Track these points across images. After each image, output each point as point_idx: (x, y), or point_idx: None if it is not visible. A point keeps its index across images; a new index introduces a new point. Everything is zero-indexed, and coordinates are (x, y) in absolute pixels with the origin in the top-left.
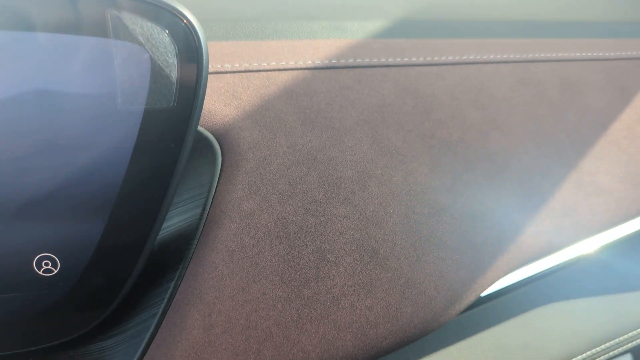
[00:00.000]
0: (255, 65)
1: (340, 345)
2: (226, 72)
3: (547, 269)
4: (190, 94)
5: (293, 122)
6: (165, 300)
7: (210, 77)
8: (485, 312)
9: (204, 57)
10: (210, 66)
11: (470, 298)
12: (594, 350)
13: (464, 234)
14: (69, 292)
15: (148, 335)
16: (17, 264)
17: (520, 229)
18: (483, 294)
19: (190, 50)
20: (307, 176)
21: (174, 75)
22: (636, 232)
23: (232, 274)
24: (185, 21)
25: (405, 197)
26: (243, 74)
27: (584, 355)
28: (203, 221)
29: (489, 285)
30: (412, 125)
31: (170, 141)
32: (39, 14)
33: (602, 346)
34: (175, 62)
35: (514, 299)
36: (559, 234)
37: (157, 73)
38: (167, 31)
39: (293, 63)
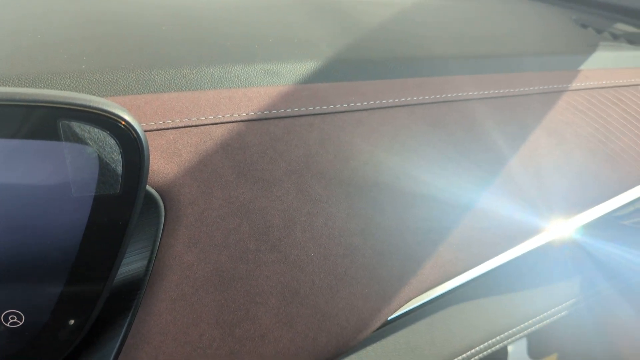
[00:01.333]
0: (194, 120)
1: None
2: (167, 129)
3: (446, 292)
4: (134, 181)
5: (228, 175)
6: (117, 345)
7: (153, 134)
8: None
9: (145, 150)
10: (153, 123)
11: (376, 324)
12: (492, 340)
13: (372, 271)
14: (31, 341)
15: None
16: None
17: (420, 262)
18: (389, 318)
19: (131, 146)
20: (240, 226)
21: (119, 168)
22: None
23: (174, 320)
24: (123, 123)
25: (325, 241)
26: (183, 129)
27: (485, 344)
28: (149, 273)
29: (393, 313)
30: (332, 173)
31: (118, 219)
32: (5, 124)
33: (499, 337)
34: (120, 158)
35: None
36: (453, 265)
37: (104, 167)
38: (108, 132)
39: (229, 116)
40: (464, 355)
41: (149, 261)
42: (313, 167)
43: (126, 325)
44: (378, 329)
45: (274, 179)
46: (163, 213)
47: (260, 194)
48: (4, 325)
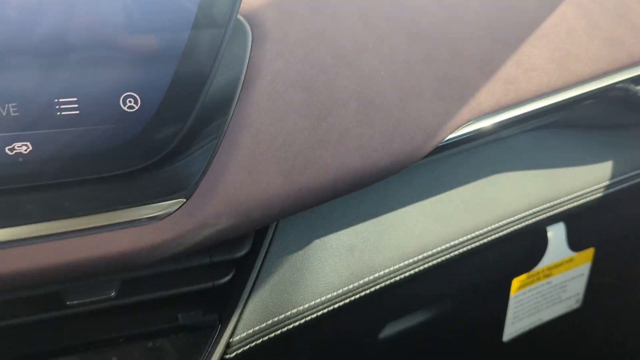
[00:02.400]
0: None
1: (350, 162)
2: None
3: (497, 126)
4: None
5: (303, 10)
6: (224, 128)
7: None
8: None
9: None
10: None
11: (441, 137)
12: (530, 212)
13: (436, 92)
14: (146, 125)
15: (211, 152)
16: (107, 101)
17: (478, 88)
18: (452, 136)
19: None
20: (317, 48)
21: None
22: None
23: (270, 109)
24: None
25: (391, 65)
26: None
27: (522, 215)
28: (241, 79)
29: (453, 131)
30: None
31: (219, 21)
32: None
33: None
34: None
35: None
36: (504, 95)
37: None
38: None
39: None
40: (510, 220)
41: (241, 70)
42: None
43: (231, 112)
44: (440, 146)
45: (344, 14)
46: (250, 33)
47: (333, 25)
48: (122, 109)
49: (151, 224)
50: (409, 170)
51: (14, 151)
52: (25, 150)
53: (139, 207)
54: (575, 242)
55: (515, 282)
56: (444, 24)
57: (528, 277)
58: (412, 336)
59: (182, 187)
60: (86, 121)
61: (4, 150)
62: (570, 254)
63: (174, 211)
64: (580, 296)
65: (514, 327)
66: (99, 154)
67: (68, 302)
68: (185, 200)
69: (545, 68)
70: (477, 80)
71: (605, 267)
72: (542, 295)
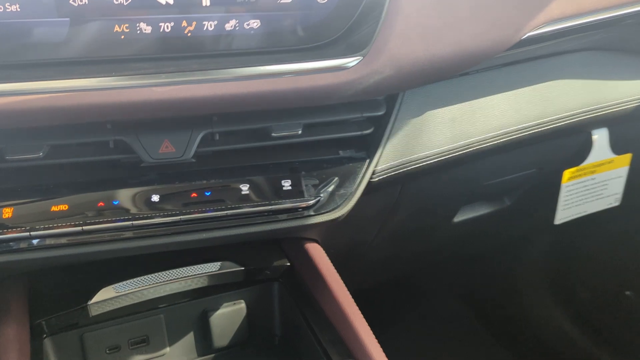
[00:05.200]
0: None
1: (465, 42)
2: None
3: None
4: None
5: None
6: (383, 13)
7: None
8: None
9: None
10: None
11: (523, 33)
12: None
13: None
14: (334, 9)
15: (377, 27)
16: None
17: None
18: (530, 34)
19: None
20: None
21: None
22: None
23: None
24: None
25: None
26: None
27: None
28: None
29: (531, 29)
30: None
31: None
32: None
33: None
34: None
35: None
36: (569, 7)
37: None
38: None
39: None
40: (566, 114)
41: None
42: None
43: (382, 11)
44: (520, 41)
45: None
46: None
47: None
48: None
49: (344, 70)
50: (494, 70)
51: (249, 26)
52: (256, 26)
53: (337, 59)
54: (616, 146)
55: (567, 173)
56: None
57: (577, 170)
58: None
59: (361, 49)
60: (297, 5)
61: (243, 25)
62: (611, 155)
63: (357, 63)
64: (619, 196)
65: (564, 213)
66: (308, 28)
67: (273, 134)
68: (362, 57)
69: None
70: None
71: None
72: (588, 189)
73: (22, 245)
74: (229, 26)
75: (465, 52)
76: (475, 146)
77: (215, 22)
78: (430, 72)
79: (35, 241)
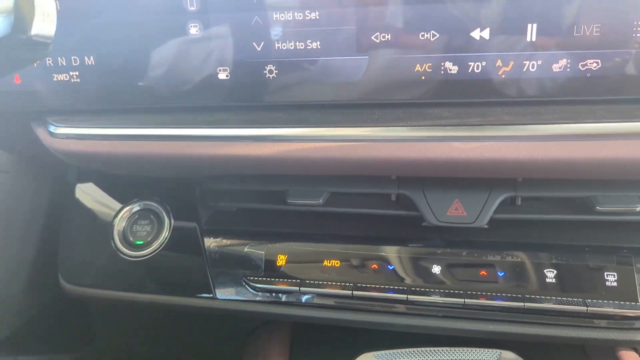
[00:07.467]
0: None
1: None
2: None
3: None
4: None
5: None
6: None
7: None
8: None
9: None
10: None
11: None
12: None
13: None
14: None
15: None
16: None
17: None
18: None
19: None
20: None
21: None
22: None
23: None
24: None
25: None
26: None
27: None
28: None
29: None
30: None
31: None
32: None
33: None
34: None
35: None
36: None
37: None
38: None
39: None
40: None
41: None
42: None
43: None
44: None
45: None
46: None
47: None
48: None
49: None
50: None
51: (585, 67)
52: (595, 67)
53: None
54: None
55: None
56: None
57: None
58: None
59: None
60: None
61: (577, 66)
62: None
63: None
64: None
65: None
66: None
67: (598, 208)
68: None
69: None
70: None
71: None
72: None
73: (290, 298)
74: (557, 67)
75: None
76: None
77: (539, 62)
78: None
79: (303, 298)
